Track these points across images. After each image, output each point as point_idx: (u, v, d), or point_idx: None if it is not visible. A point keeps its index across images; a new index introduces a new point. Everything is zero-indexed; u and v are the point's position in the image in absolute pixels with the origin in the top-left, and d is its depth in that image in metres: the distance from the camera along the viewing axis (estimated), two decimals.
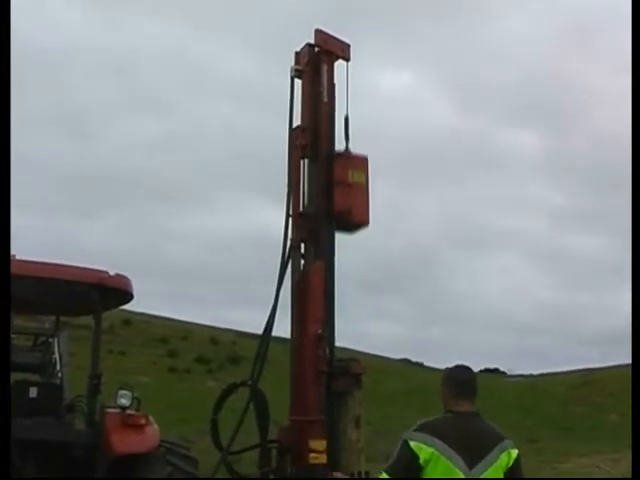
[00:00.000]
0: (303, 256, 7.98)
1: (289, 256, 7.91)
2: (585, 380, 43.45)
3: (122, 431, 6.83)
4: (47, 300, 8.12)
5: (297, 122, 8.24)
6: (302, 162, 8.16)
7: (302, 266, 7.96)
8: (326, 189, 8.00)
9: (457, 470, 4.30)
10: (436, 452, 4.30)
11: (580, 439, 28.62)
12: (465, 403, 4.52)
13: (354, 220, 8.04)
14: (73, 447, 7.05)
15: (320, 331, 7.60)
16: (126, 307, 9.35)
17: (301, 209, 8.05)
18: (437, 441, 4.32)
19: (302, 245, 8.01)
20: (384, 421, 20.73)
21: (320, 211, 7.98)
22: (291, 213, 7.97)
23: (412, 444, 4.34)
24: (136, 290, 7.95)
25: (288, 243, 7.91)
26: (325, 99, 8.26)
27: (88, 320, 8.18)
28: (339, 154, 8.14)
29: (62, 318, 9.08)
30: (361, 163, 8.16)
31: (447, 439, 4.32)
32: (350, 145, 8.22)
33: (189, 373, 36.89)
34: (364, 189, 8.09)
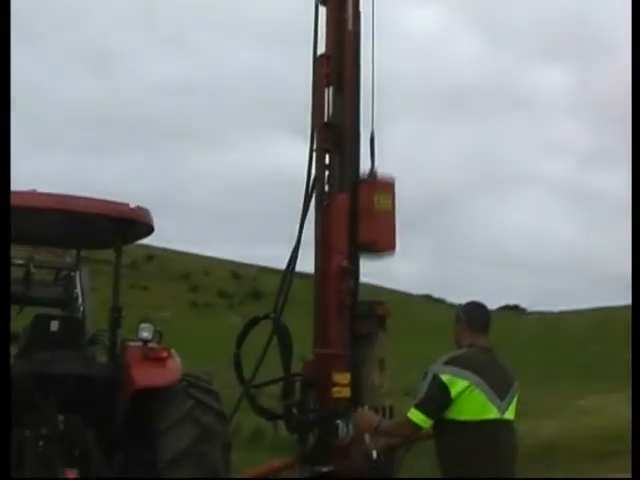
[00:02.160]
0: (327, 188, 7.81)
1: (313, 188, 7.77)
2: (604, 319, 43.50)
3: (143, 364, 6.77)
4: (67, 233, 8.05)
5: (321, 51, 7.99)
6: (327, 90, 7.93)
7: (326, 198, 7.80)
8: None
9: (491, 404, 4.30)
10: (472, 385, 4.26)
11: (596, 376, 28.70)
12: (483, 338, 4.57)
13: (379, 249, 7.74)
14: (94, 380, 7.03)
15: (345, 263, 7.47)
16: (149, 243, 9.27)
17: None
18: (470, 374, 4.28)
19: (326, 177, 7.83)
20: (404, 357, 20.78)
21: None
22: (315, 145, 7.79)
23: (444, 378, 4.26)
24: (158, 227, 7.84)
25: (312, 175, 7.76)
26: (350, 27, 7.98)
27: (109, 255, 8.10)
28: (364, 180, 7.75)
29: (83, 252, 9.01)
30: (387, 187, 7.74)
31: (480, 372, 4.31)
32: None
33: (211, 307, 37.15)
34: (390, 215, 7.70)
